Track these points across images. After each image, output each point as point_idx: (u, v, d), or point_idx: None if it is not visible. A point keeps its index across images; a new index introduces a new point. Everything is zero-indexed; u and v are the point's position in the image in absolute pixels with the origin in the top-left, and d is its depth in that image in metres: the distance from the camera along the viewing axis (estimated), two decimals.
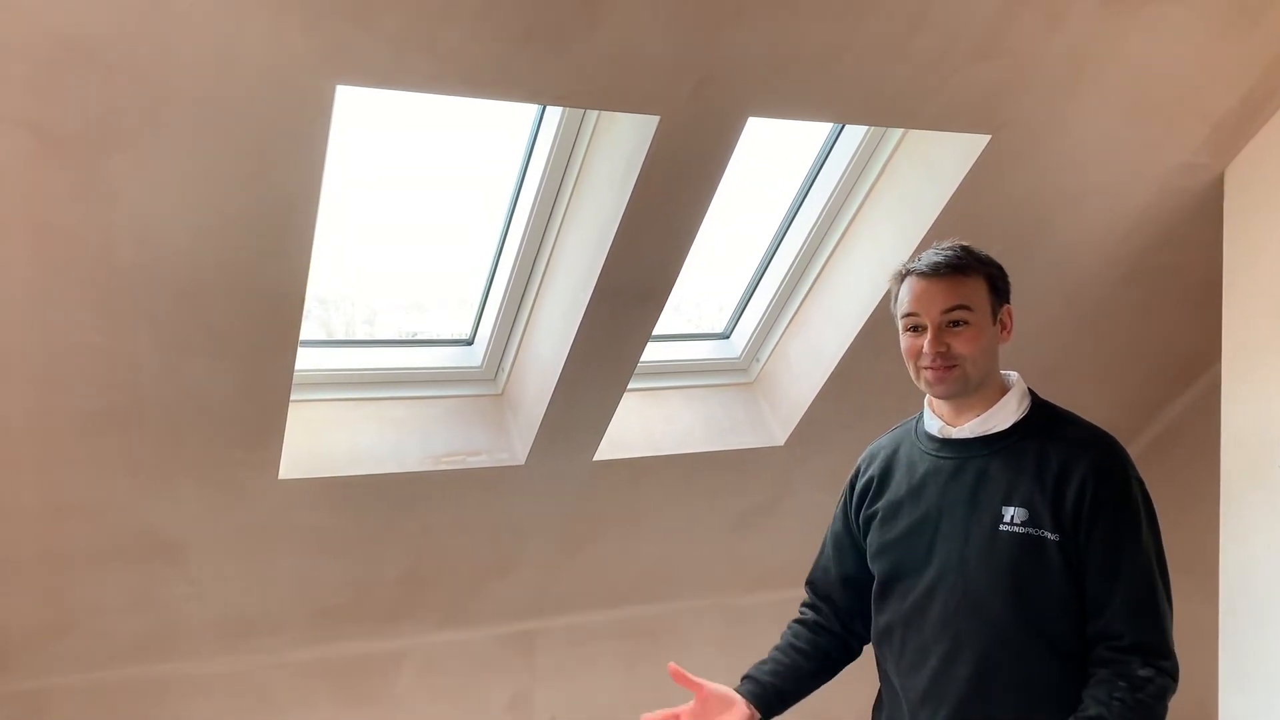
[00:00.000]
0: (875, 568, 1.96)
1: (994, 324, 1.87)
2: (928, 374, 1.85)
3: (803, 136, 2.75)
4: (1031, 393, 1.91)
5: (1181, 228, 2.91)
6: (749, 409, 3.14)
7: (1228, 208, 2.77)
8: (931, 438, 1.92)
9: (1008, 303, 1.89)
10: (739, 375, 3.18)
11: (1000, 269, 1.90)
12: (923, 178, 2.61)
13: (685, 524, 3.20)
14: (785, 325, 3.04)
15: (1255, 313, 2.70)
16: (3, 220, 1.84)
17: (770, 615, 3.59)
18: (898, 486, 1.94)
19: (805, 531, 3.41)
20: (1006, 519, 1.80)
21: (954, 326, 1.82)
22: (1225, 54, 2.43)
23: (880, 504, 1.96)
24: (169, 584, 2.63)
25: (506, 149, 2.53)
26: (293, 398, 2.39)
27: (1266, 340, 2.66)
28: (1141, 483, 1.83)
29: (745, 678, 2.12)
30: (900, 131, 2.64)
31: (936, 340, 1.82)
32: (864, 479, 2.02)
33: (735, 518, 3.27)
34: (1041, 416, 1.89)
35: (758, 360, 3.15)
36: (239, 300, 2.12)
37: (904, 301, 1.88)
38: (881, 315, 2.75)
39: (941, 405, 1.91)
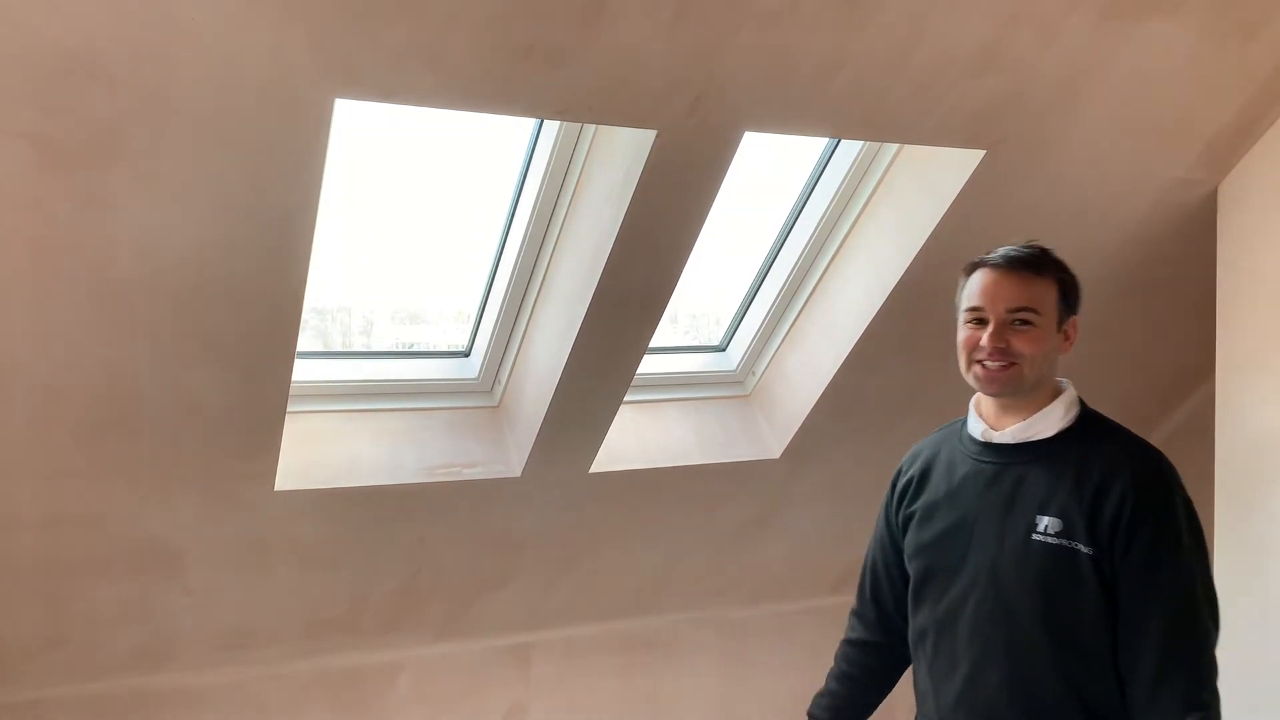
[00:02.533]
0: (911, 568, 1.93)
1: (1057, 332, 1.81)
2: (978, 369, 1.80)
3: (799, 150, 2.77)
4: (1082, 402, 1.85)
5: (1176, 243, 2.93)
6: (745, 422, 3.15)
7: (1221, 223, 2.78)
8: (974, 440, 1.88)
9: (1075, 314, 1.84)
10: (735, 388, 3.18)
11: (1074, 279, 1.84)
12: (918, 192, 2.62)
13: (681, 536, 3.20)
14: (781, 338, 3.05)
15: (1249, 327, 2.71)
16: (4, 232, 1.85)
17: (767, 627, 3.61)
18: (936, 488, 1.91)
19: (801, 544, 3.42)
20: (1040, 528, 1.75)
21: (1018, 325, 1.77)
22: (1220, 70, 2.45)
23: (918, 504, 1.93)
24: (166, 595, 2.63)
25: (504, 162, 2.54)
26: (289, 409, 2.39)
27: (1261, 355, 2.67)
28: (1188, 501, 1.75)
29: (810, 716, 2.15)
30: (896, 146, 2.66)
31: (997, 335, 1.77)
32: (905, 478, 1.99)
33: (731, 530, 3.27)
34: (1088, 426, 1.83)
35: (754, 373, 3.16)
36: (237, 312, 2.13)
37: (970, 294, 1.82)
38: (877, 329, 2.76)
39: (987, 406, 1.86)
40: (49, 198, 1.82)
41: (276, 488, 2.52)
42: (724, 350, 3.19)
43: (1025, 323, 1.78)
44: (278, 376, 2.29)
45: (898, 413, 3.09)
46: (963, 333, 1.83)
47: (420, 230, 2.81)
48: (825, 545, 3.49)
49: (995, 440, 1.85)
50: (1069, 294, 1.83)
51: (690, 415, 3.10)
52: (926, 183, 2.60)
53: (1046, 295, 1.80)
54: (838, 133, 2.43)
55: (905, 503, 1.98)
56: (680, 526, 3.17)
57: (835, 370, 2.89)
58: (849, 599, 3.64)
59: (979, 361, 1.80)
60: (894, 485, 2.03)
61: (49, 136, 1.74)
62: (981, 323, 1.80)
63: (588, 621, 3.30)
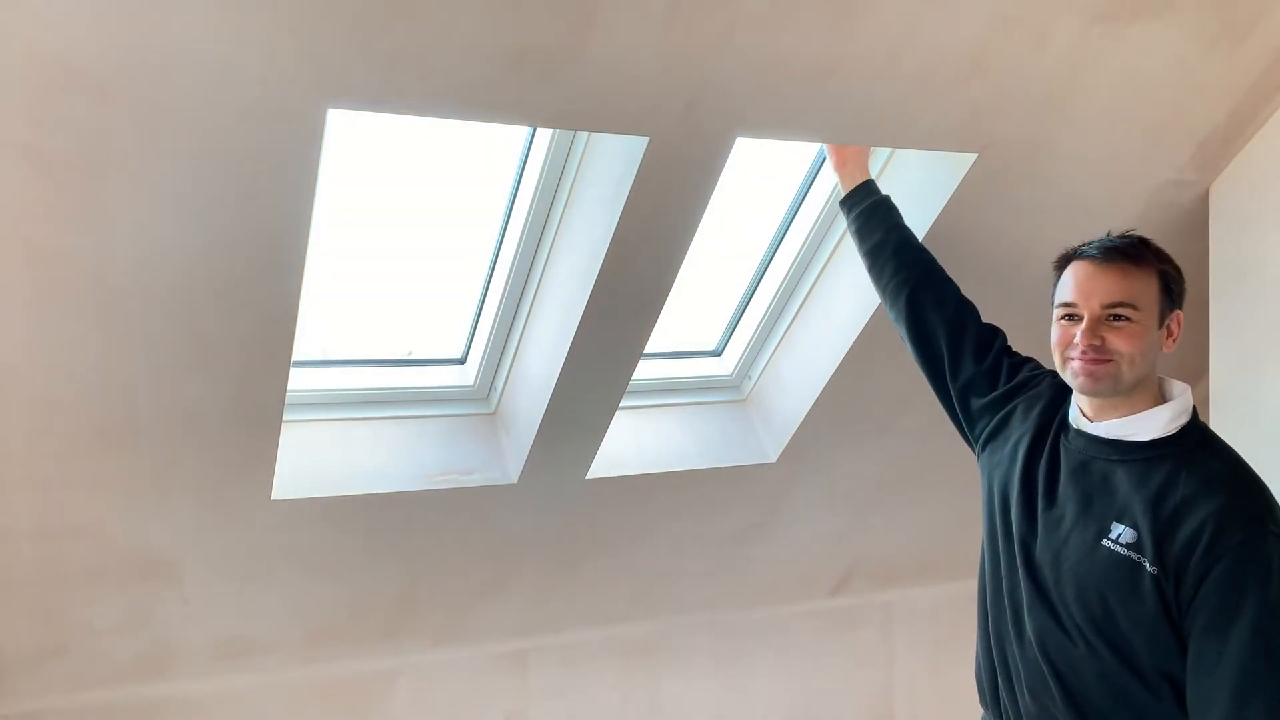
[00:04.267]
0: (984, 478, 1.95)
1: (1159, 328, 1.72)
2: (1075, 365, 1.72)
3: (793, 155, 2.77)
4: (1194, 413, 1.75)
5: (1168, 244, 2.88)
6: (741, 426, 3.15)
7: (1213, 224, 2.79)
8: (1072, 424, 1.82)
9: (1179, 308, 1.75)
10: (731, 393, 3.19)
11: (1177, 270, 1.75)
12: (910, 196, 2.63)
13: (679, 541, 3.21)
14: (777, 343, 3.05)
15: (1243, 327, 2.71)
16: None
17: (765, 631, 3.62)
18: (1036, 446, 1.85)
19: (799, 548, 3.43)
20: (1113, 535, 1.67)
21: (1114, 321, 1.69)
22: (1210, 72, 2.46)
23: (1012, 432, 1.91)
24: (163, 604, 2.63)
25: (498, 169, 2.55)
26: (286, 418, 2.40)
27: (1255, 355, 2.68)
28: None
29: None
30: (888, 150, 2.66)
31: (1091, 332, 1.69)
32: (1024, 373, 2.01)
33: (729, 534, 3.27)
34: (1190, 439, 1.70)
35: (749, 377, 3.16)
36: (233, 321, 2.13)
37: (1064, 288, 1.75)
38: (872, 332, 2.77)
39: (1086, 398, 1.77)
40: (43, 209, 1.83)
41: (274, 496, 2.52)
42: (719, 355, 3.19)
43: (1122, 318, 1.69)
44: (274, 385, 2.29)
45: (894, 415, 3.09)
46: (1056, 331, 1.76)
47: (415, 239, 2.81)
48: (823, 549, 3.50)
49: (1088, 431, 1.76)
50: (1172, 287, 1.74)
51: (686, 420, 3.10)
52: (918, 186, 2.61)
53: (1147, 289, 1.72)
54: (830, 137, 2.43)
55: (1000, 382, 2.01)
56: (677, 531, 3.17)
57: (831, 374, 2.89)
58: (847, 602, 3.70)
59: (1073, 359, 1.72)
60: (1008, 354, 2.08)
61: (42, 148, 1.74)
62: (1075, 319, 1.73)
63: (586, 627, 3.31)
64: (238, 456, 2.40)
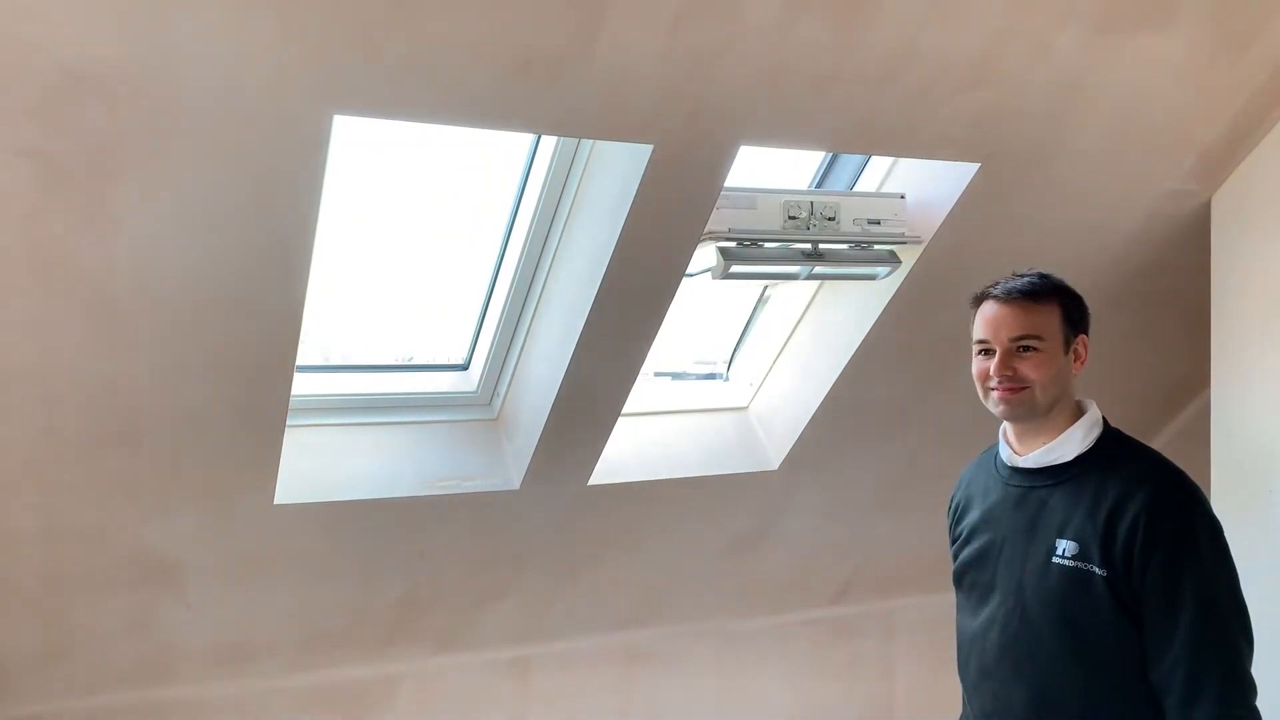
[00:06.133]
0: (956, 586, 2.04)
1: (1066, 353, 1.88)
2: (995, 394, 1.88)
3: (795, 164, 2.78)
4: (1105, 423, 1.91)
5: (1170, 253, 2.94)
6: (743, 433, 3.16)
7: (1215, 234, 2.80)
8: (1004, 464, 1.96)
9: (1083, 333, 1.90)
10: (733, 400, 3.19)
11: (1078, 299, 1.91)
12: (913, 205, 2.64)
13: (680, 548, 3.21)
14: (779, 350, 3.06)
15: (1244, 338, 2.72)
16: (5, 248, 1.86)
17: (766, 639, 3.62)
18: (975, 510, 2.00)
19: (800, 555, 3.43)
20: (1059, 551, 1.81)
21: (1023, 352, 1.85)
22: (1211, 83, 2.46)
23: (964, 525, 2.03)
24: (166, 608, 2.63)
25: (503, 175, 2.56)
26: (289, 423, 2.40)
27: (1256, 365, 2.68)
28: (1210, 518, 1.79)
29: None
30: (890, 159, 2.67)
31: (1003, 364, 1.85)
32: (954, 503, 2.10)
33: (730, 542, 3.28)
34: (1109, 448, 1.88)
35: (751, 385, 3.17)
36: (237, 326, 2.14)
37: (977, 326, 1.91)
38: (873, 341, 2.78)
39: (1012, 432, 1.94)
40: (50, 215, 1.84)
41: (276, 501, 2.53)
42: (727, 381, 3.20)
43: (1030, 349, 1.85)
44: (277, 390, 2.30)
45: (895, 424, 3.10)
46: (975, 364, 1.92)
47: (419, 245, 2.82)
48: (824, 556, 3.50)
49: (1019, 465, 1.92)
50: (1072, 314, 1.89)
51: (688, 427, 3.11)
52: (921, 195, 2.62)
53: (1048, 320, 1.87)
54: (833, 146, 2.44)
55: (954, 525, 2.07)
56: (679, 538, 3.17)
57: (833, 382, 2.90)
58: (848, 610, 3.69)
59: (992, 390, 1.88)
60: (949, 510, 2.13)
61: (50, 154, 1.76)
62: (989, 353, 1.88)
63: (587, 634, 3.30)
64: (241, 461, 2.41)
